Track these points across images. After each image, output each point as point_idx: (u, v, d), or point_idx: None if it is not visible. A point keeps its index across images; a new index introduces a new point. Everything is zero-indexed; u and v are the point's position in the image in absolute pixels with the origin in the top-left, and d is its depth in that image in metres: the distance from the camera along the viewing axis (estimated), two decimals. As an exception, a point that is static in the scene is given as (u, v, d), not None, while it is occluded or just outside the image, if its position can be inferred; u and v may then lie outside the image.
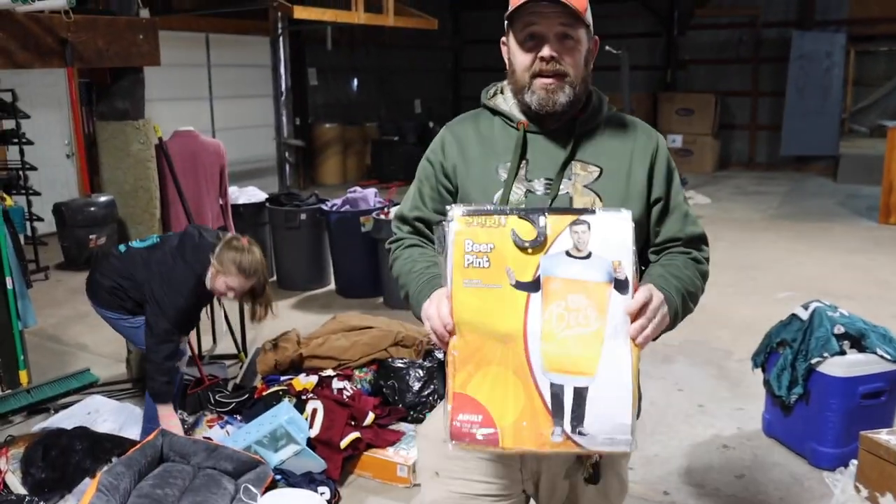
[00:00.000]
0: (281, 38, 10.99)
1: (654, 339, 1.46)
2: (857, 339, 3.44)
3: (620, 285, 1.39)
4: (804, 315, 3.59)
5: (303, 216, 6.33)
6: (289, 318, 5.77)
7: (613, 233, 1.40)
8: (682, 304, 1.59)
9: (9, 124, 7.30)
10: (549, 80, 1.60)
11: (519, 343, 1.40)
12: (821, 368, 3.42)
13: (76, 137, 8.85)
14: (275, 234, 6.56)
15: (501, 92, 1.77)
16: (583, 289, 1.39)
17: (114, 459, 3.12)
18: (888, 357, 3.40)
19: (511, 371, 1.41)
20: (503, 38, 1.70)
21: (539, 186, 1.64)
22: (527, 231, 1.40)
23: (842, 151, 12.70)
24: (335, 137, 12.65)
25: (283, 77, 11.19)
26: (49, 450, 3.22)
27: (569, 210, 1.44)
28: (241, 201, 6.53)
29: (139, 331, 3.54)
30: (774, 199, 10.96)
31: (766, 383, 3.71)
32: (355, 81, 13.86)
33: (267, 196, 6.78)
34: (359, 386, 3.63)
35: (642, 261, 1.70)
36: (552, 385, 1.40)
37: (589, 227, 1.39)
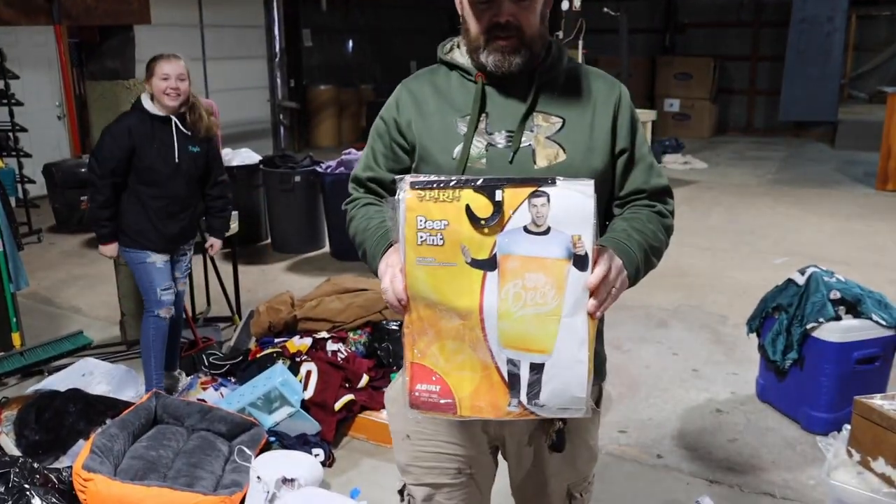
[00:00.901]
0: (275, -1, 10.84)
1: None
2: (853, 305, 3.44)
3: (580, 261, 1.34)
4: (800, 280, 3.58)
5: (297, 178, 6.28)
6: (283, 281, 5.76)
7: (574, 205, 1.32)
8: (645, 259, 1.56)
9: (-2, 84, 7.20)
10: (505, 42, 1.56)
11: (475, 320, 1.37)
12: (816, 334, 3.42)
13: (66, 98, 8.77)
14: (269, 196, 6.52)
15: (458, 46, 1.72)
16: (541, 266, 1.34)
17: (107, 421, 3.12)
18: (883, 323, 3.39)
19: (467, 345, 1.39)
20: None
21: (500, 139, 1.60)
22: (483, 206, 1.33)
23: (840, 117, 12.62)
24: (330, 99, 12.53)
25: (278, 38, 11.05)
26: (43, 412, 3.22)
27: (527, 181, 1.34)
28: (234, 163, 6.47)
29: (140, 267, 3.61)
30: (772, 164, 10.92)
31: (761, 348, 3.71)
32: (350, 42, 13.69)
33: (261, 158, 6.72)
34: (353, 348, 3.62)
35: (605, 215, 1.67)
36: (509, 360, 1.38)
37: (548, 200, 1.32)
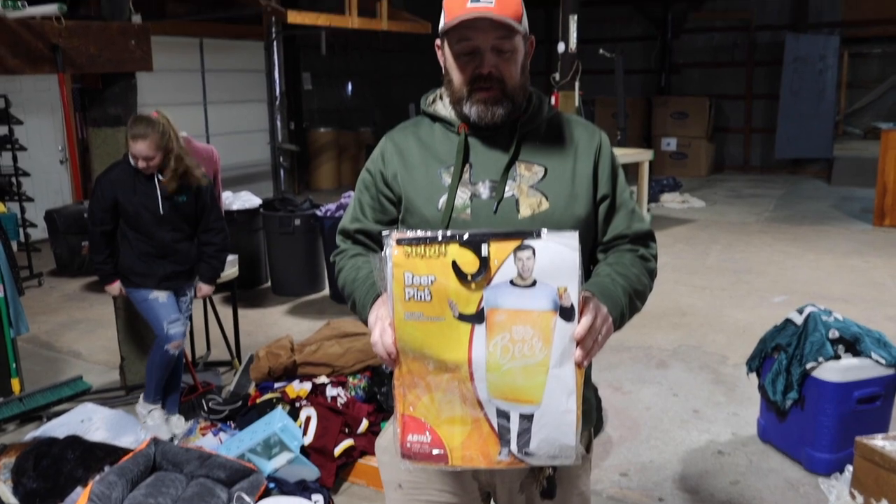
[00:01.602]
0: (275, 43, 10.99)
1: None
2: (852, 344, 3.44)
3: (566, 313, 1.36)
4: (798, 320, 3.58)
5: (297, 222, 6.31)
6: (283, 324, 5.76)
7: (559, 258, 1.34)
8: (629, 304, 1.59)
9: (1, 130, 7.28)
10: (487, 94, 1.59)
11: (464, 372, 1.38)
12: (816, 373, 3.42)
13: (69, 143, 8.84)
14: (269, 239, 6.55)
15: (441, 98, 1.76)
16: (528, 319, 1.36)
17: (106, 468, 3.10)
18: (883, 362, 3.39)
19: (457, 397, 1.40)
20: (437, 43, 1.67)
21: (484, 189, 1.62)
22: (469, 261, 1.35)
23: (836, 154, 12.73)
24: (330, 142, 12.64)
25: (278, 82, 11.19)
26: (40, 459, 3.20)
27: (513, 234, 1.35)
28: (235, 207, 6.52)
29: (144, 305, 3.78)
30: (769, 201, 10.97)
31: (761, 388, 3.70)
32: (350, 86, 13.85)
33: (261, 202, 6.76)
34: (353, 393, 3.61)
35: (589, 260, 1.70)
36: (498, 411, 1.39)
37: (534, 253, 1.33)
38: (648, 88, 14.70)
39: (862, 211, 9.75)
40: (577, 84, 8.87)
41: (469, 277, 1.35)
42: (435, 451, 1.42)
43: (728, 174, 14.01)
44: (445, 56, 1.64)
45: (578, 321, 1.37)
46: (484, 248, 1.34)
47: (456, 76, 1.62)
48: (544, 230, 1.35)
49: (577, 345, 1.38)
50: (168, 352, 3.76)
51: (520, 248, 1.34)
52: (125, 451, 3.24)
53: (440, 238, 1.36)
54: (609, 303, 1.51)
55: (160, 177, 3.67)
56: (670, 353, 4.98)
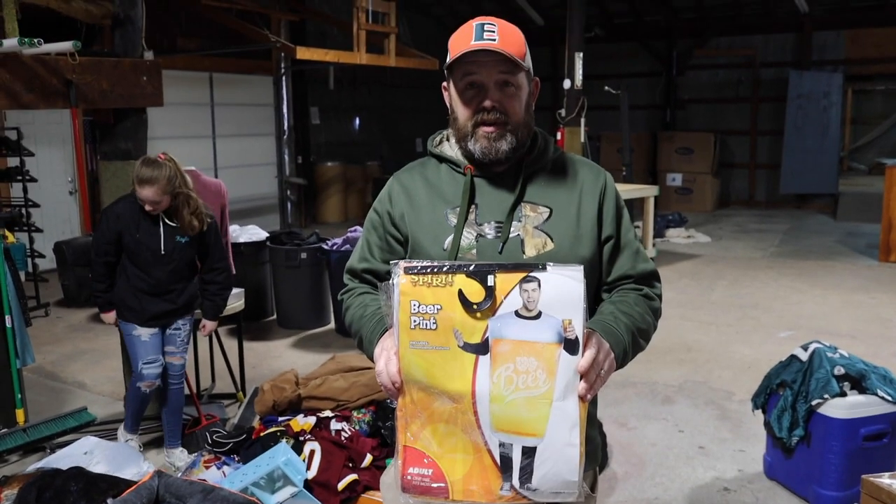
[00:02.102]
0: (284, 78, 11.14)
1: None
2: (858, 381, 3.43)
3: (570, 345, 1.37)
4: (804, 356, 3.58)
5: (303, 255, 6.34)
6: (288, 357, 5.76)
7: (564, 290, 1.36)
8: (633, 342, 1.60)
9: (13, 161, 7.36)
10: (491, 129, 1.61)
11: (467, 403, 1.39)
12: (821, 410, 3.40)
13: (79, 175, 8.94)
14: (275, 272, 6.58)
15: (447, 139, 1.78)
16: (532, 350, 1.37)
17: (109, 501, 3.09)
18: (889, 398, 3.38)
19: (460, 428, 1.40)
20: (444, 84, 1.70)
21: (489, 230, 1.64)
22: (475, 291, 1.36)
23: (841, 189, 12.76)
24: (337, 176, 12.73)
25: (286, 116, 11.33)
26: (43, 491, 3.19)
27: (519, 266, 1.37)
28: (241, 240, 6.56)
29: (128, 339, 3.84)
30: (775, 237, 10.98)
31: (767, 425, 3.69)
32: (357, 120, 13.98)
33: (268, 235, 6.80)
34: (357, 427, 3.60)
35: (594, 300, 1.70)
36: (501, 444, 1.40)
37: (539, 285, 1.35)
38: (654, 124, 14.80)
39: (867, 246, 9.75)
40: (582, 120, 8.96)
41: (475, 307, 1.37)
42: (435, 485, 1.42)
43: (733, 209, 14.04)
44: (451, 94, 1.67)
45: (582, 354, 1.38)
46: (490, 278, 1.37)
47: (461, 112, 1.64)
48: (549, 263, 1.38)
49: (581, 378, 1.39)
50: (140, 389, 3.81)
51: (525, 279, 1.36)
52: (128, 484, 3.23)
53: (447, 268, 1.38)
54: (611, 339, 1.53)
55: (165, 219, 3.71)
56: (676, 388, 4.96)
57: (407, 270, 1.39)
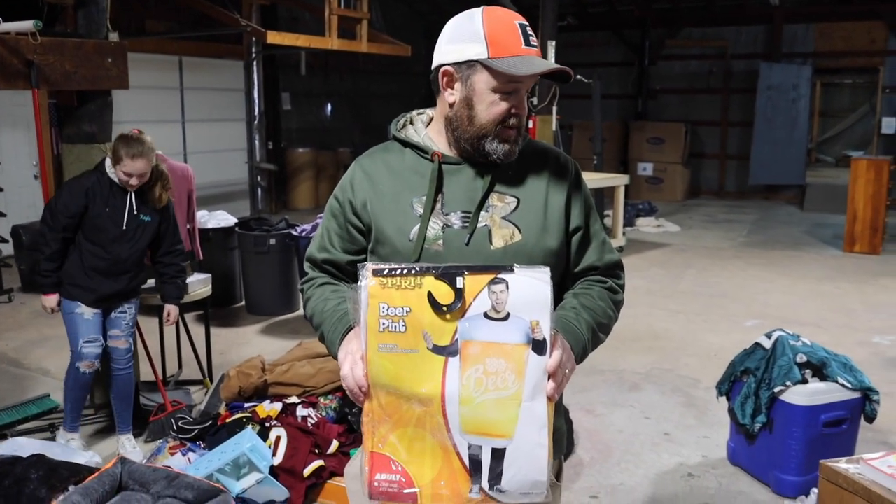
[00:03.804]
0: (255, 63, 11.02)
1: None
2: (819, 368, 3.48)
3: (538, 346, 1.37)
4: (767, 344, 3.62)
5: (272, 241, 6.30)
6: (257, 344, 5.73)
7: (532, 292, 1.36)
8: (592, 338, 1.61)
9: (-25, 145, 7.21)
10: (513, 132, 1.60)
11: (436, 406, 1.38)
12: (783, 397, 3.45)
13: (40, 159, 8.78)
14: (244, 258, 6.52)
15: (411, 122, 1.74)
16: (501, 352, 1.37)
17: (71, 488, 3.05)
18: (849, 385, 3.44)
19: (428, 432, 1.40)
20: (447, 68, 1.60)
21: (456, 220, 1.61)
22: (444, 293, 1.36)
23: (808, 181, 12.93)
24: (308, 162, 12.64)
25: (257, 101, 11.21)
26: (3, 478, 3.14)
27: (487, 268, 1.38)
28: (210, 225, 6.49)
29: (68, 317, 3.73)
30: (743, 227, 11.10)
31: (731, 412, 3.73)
32: (329, 106, 13.88)
33: (236, 220, 6.74)
34: (323, 413, 3.59)
35: (559, 290, 1.70)
36: (470, 446, 1.40)
37: (507, 287, 1.36)
38: (626, 113, 14.87)
39: (833, 237, 9.90)
40: (554, 108, 8.98)
41: (444, 308, 1.36)
42: (404, 491, 1.41)
43: (703, 199, 14.16)
44: (473, 88, 1.59)
45: (550, 355, 1.39)
46: (459, 280, 1.36)
47: (487, 112, 1.58)
48: (517, 265, 1.38)
49: (549, 378, 1.39)
50: (79, 370, 3.72)
51: (494, 281, 1.37)
52: (91, 471, 3.19)
53: (416, 270, 1.38)
54: (571, 339, 1.54)
55: (133, 196, 3.68)
56: (643, 376, 5.00)
57: (375, 273, 1.38)
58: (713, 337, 5.82)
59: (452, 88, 1.61)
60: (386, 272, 1.37)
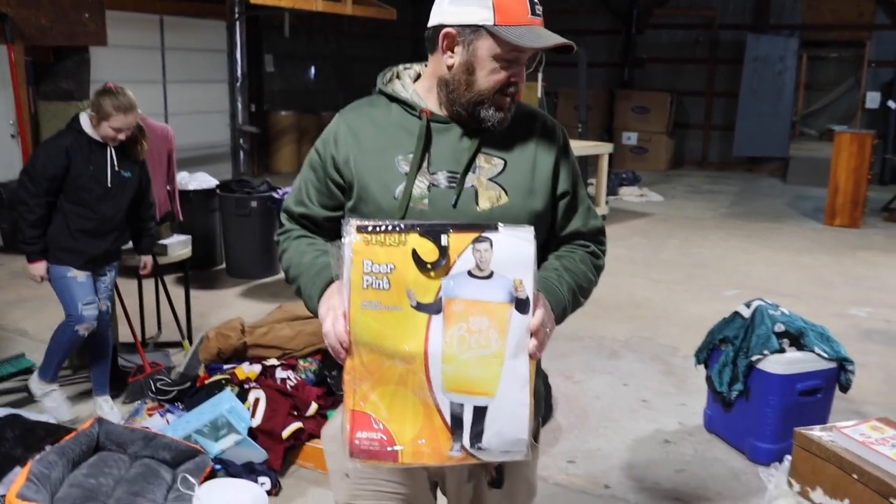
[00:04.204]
0: (237, 23, 10.84)
1: None
2: (797, 338, 3.51)
3: (521, 305, 1.38)
4: (746, 313, 3.65)
5: (253, 203, 6.25)
6: (237, 306, 5.70)
7: (515, 251, 1.37)
8: (573, 299, 1.63)
9: (-50, 101, 7.08)
10: (510, 100, 1.59)
11: (419, 364, 1.38)
12: (761, 366, 3.48)
13: (18, 117, 8.64)
14: (225, 221, 6.47)
15: (398, 77, 1.71)
16: (484, 310, 1.37)
17: (47, 448, 3.04)
18: (825, 355, 3.47)
19: (410, 390, 1.39)
20: (449, 30, 1.55)
21: (443, 180, 1.59)
22: (429, 250, 1.36)
23: (792, 153, 12.96)
24: (291, 125, 12.52)
25: (239, 63, 11.05)
26: (-21, 437, 3.13)
27: (472, 226, 1.38)
28: (191, 187, 6.42)
29: (61, 282, 3.63)
30: (726, 198, 11.14)
31: (708, 379, 3.77)
32: (313, 69, 13.71)
33: (218, 183, 6.68)
34: (303, 376, 3.59)
35: (542, 253, 1.68)
36: (452, 404, 1.39)
37: (491, 245, 1.36)
38: (612, 82, 14.80)
39: (815, 210, 9.95)
40: (539, 75, 8.91)
41: (429, 266, 1.36)
42: (385, 449, 1.41)
43: (687, 170, 14.18)
44: (475, 53, 1.55)
45: (533, 314, 1.39)
46: (444, 238, 1.36)
47: (487, 78, 1.55)
48: (501, 224, 1.38)
49: (532, 336, 1.40)
50: (78, 332, 3.66)
51: (478, 239, 1.36)
52: (67, 431, 3.18)
53: (401, 227, 1.37)
54: (552, 299, 1.54)
55: (114, 152, 3.61)
56: (623, 343, 5.03)
57: (359, 229, 1.36)
58: (693, 306, 5.86)
59: (452, 51, 1.57)
60: (370, 229, 1.36)
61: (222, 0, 10.77)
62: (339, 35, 13.79)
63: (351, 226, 1.37)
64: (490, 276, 1.37)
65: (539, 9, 1.55)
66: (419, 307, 1.37)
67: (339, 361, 1.43)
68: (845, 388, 3.57)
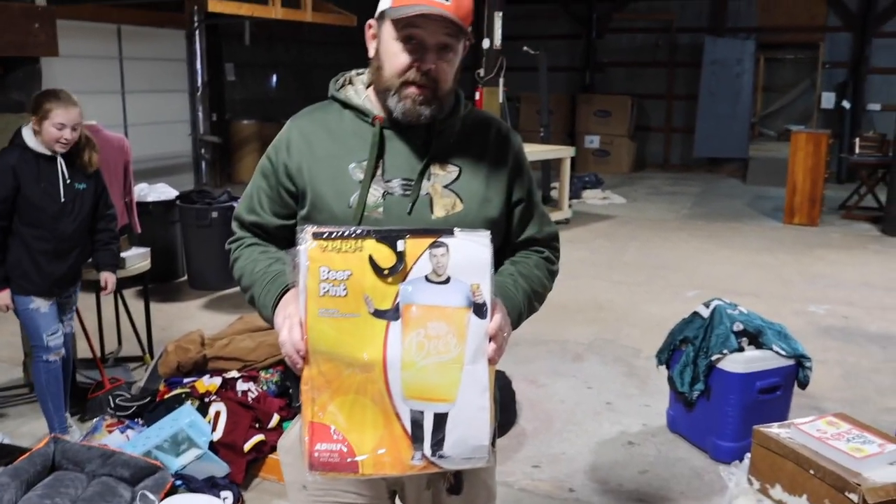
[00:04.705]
0: (197, 32, 10.71)
1: None
2: (755, 336, 3.56)
3: (479, 310, 1.38)
4: (705, 313, 3.69)
5: (214, 214, 6.18)
6: (199, 318, 5.63)
7: (472, 256, 1.37)
8: (528, 304, 1.63)
9: None
10: (419, 92, 1.53)
11: (378, 372, 1.36)
12: (720, 365, 3.52)
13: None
14: (186, 232, 6.40)
15: (351, 83, 1.69)
16: (442, 315, 1.36)
17: (0, 469, 2.97)
18: (783, 353, 3.52)
19: (369, 399, 1.38)
20: (370, 22, 1.58)
21: (397, 187, 1.58)
22: (385, 256, 1.35)
23: (751, 154, 13.17)
24: (253, 134, 12.42)
25: (200, 72, 10.90)
26: (-70, 460, 3.05)
27: (428, 231, 1.37)
28: (150, 199, 6.34)
29: (25, 313, 3.49)
30: (687, 199, 11.27)
31: (670, 380, 3.80)
32: (274, 77, 13.63)
33: (178, 194, 6.60)
34: (264, 387, 3.56)
35: (497, 259, 1.68)
36: (412, 412, 1.38)
37: (448, 250, 1.36)
38: (573, 86, 14.92)
39: (774, 209, 10.11)
40: (501, 80, 8.92)
41: (385, 272, 1.35)
42: (345, 461, 1.39)
43: (649, 172, 14.33)
44: (382, 40, 1.56)
45: (491, 318, 1.39)
46: (400, 243, 1.35)
47: (391, 64, 1.54)
48: (458, 229, 1.38)
49: (490, 340, 1.39)
50: (50, 362, 3.53)
51: (435, 244, 1.36)
52: (22, 451, 3.11)
53: (357, 233, 1.36)
54: (508, 304, 1.54)
55: (64, 164, 3.44)
56: (586, 346, 5.06)
57: (315, 235, 1.35)
58: (655, 307, 5.91)
59: (373, 43, 1.60)
60: (326, 235, 1.35)
61: (181, 9, 10.65)
62: (300, 42, 13.73)
63: (307, 232, 1.36)
64: (447, 281, 1.36)
65: None
66: (377, 314, 1.36)
67: (296, 372, 1.41)
68: (804, 385, 3.62)
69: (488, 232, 1.39)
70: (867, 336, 5.34)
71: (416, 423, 1.38)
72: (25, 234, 3.41)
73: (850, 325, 5.58)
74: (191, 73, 10.91)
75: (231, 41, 11.95)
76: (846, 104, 12.75)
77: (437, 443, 1.39)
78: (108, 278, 3.76)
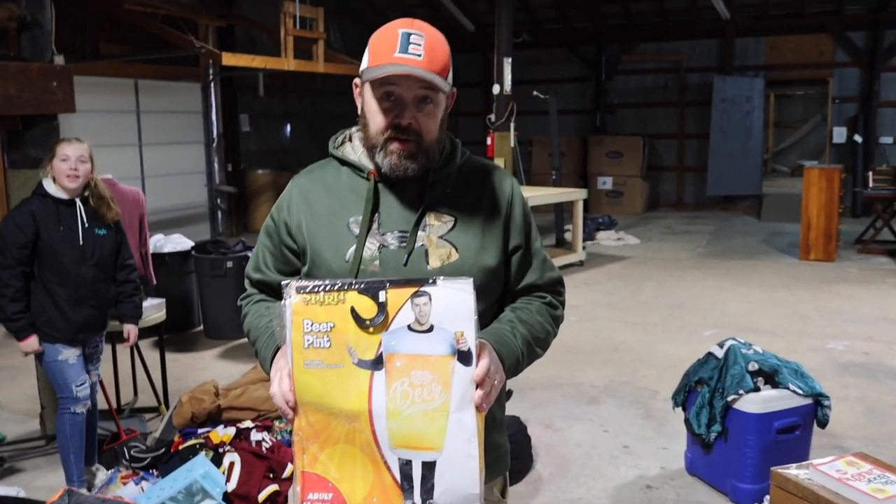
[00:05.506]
0: (212, 85, 10.94)
1: None
2: (771, 376, 3.52)
3: (463, 357, 1.38)
4: (720, 353, 3.66)
5: (229, 264, 6.23)
6: (215, 368, 5.65)
7: (455, 303, 1.37)
8: (528, 351, 1.61)
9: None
10: (402, 146, 1.55)
11: (365, 421, 1.38)
12: (737, 405, 3.48)
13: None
14: (201, 282, 6.44)
15: (349, 140, 1.73)
16: (426, 364, 1.37)
17: (16, 523, 2.98)
18: (800, 392, 3.48)
19: (358, 448, 1.39)
20: (356, 82, 1.64)
21: (393, 240, 1.59)
22: (367, 307, 1.37)
23: (765, 191, 13.16)
24: (268, 183, 12.57)
25: (215, 123, 11.11)
26: (-54, 515, 3.06)
27: (409, 282, 1.38)
28: (166, 250, 6.42)
29: (53, 365, 3.51)
30: (702, 237, 11.25)
31: (687, 422, 3.76)
32: (288, 127, 13.84)
33: (193, 244, 6.67)
34: (279, 437, 3.55)
35: (498, 307, 1.70)
36: (400, 461, 1.39)
37: (430, 299, 1.36)
38: (584, 128, 15.02)
39: (789, 245, 10.06)
40: (512, 125, 9.03)
41: (367, 322, 1.36)
42: None
43: (662, 211, 14.33)
44: (364, 99, 1.60)
45: (476, 364, 1.38)
46: (381, 294, 1.37)
47: (374, 121, 1.57)
48: (440, 278, 1.38)
49: (477, 387, 1.39)
50: (77, 414, 3.53)
51: (416, 294, 1.37)
52: (38, 505, 3.11)
53: (338, 286, 1.38)
54: (505, 350, 1.53)
55: (82, 209, 3.50)
56: (602, 389, 5.02)
57: (299, 290, 1.38)
58: (671, 348, 5.87)
59: (359, 100, 1.64)
60: (309, 289, 1.38)
61: (196, 62, 10.89)
62: (313, 93, 13.95)
63: (291, 287, 1.38)
64: (430, 329, 1.37)
65: (415, 46, 1.51)
66: (361, 364, 1.37)
67: (287, 421, 1.43)
68: (823, 424, 3.57)
69: (471, 279, 1.39)
70: (888, 372, 5.27)
71: (405, 472, 1.39)
72: (48, 280, 3.47)
73: (870, 360, 5.51)
74: (206, 124, 11.13)
75: (245, 93, 12.16)
76: (858, 138, 12.75)
77: (427, 491, 1.39)
78: (130, 330, 3.81)
